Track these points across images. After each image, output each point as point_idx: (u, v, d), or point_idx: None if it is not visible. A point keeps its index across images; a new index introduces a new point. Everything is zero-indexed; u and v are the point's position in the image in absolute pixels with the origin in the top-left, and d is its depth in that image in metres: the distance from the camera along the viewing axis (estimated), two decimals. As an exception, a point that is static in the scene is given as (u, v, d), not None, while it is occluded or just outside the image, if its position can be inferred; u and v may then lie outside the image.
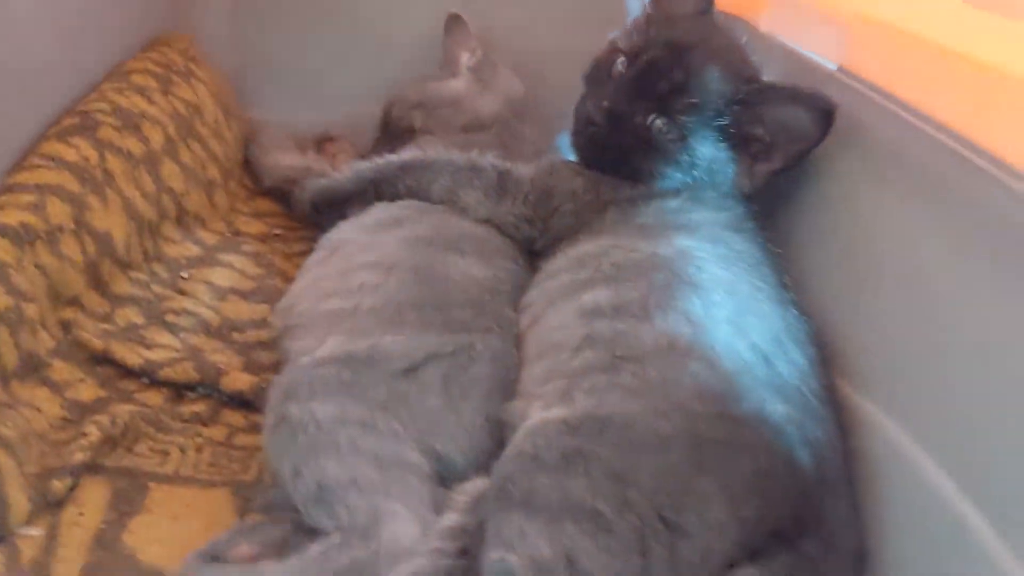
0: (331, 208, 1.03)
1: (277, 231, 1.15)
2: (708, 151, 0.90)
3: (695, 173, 0.91)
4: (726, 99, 0.89)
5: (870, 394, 0.78)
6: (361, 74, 1.36)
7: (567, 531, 0.62)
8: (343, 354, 0.77)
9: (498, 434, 0.75)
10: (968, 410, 0.66)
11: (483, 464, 0.73)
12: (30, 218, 0.83)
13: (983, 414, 0.64)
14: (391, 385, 0.74)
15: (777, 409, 0.70)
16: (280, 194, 1.19)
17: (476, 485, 0.70)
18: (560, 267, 0.88)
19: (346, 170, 1.05)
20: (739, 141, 0.90)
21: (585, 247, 0.88)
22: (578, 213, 0.94)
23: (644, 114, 0.90)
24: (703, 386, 0.70)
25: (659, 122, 0.90)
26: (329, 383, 0.73)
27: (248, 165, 1.24)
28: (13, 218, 0.83)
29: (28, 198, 0.85)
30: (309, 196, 1.06)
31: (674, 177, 0.91)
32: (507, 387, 0.78)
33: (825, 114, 0.86)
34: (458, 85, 1.22)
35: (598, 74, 0.97)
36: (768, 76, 0.97)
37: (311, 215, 1.06)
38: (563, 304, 0.82)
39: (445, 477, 0.73)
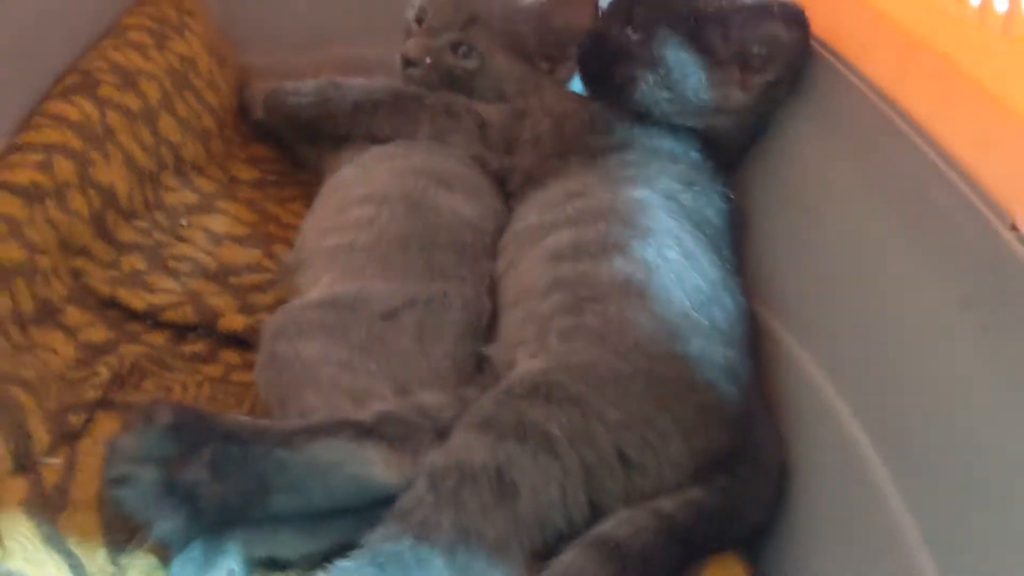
0: (282, 116, 1.13)
1: (271, 177, 1.22)
2: (676, 56, 0.95)
3: (669, 83, 0.95)
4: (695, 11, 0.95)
5: (790, 328, 0.85)
6: (350, 14, 1.41)
7: (508, 448, 0.67)
8: (330, 297, 0.84)
9: (464, 374, 0.84)
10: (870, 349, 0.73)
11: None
12: (39, 177, 0.91)
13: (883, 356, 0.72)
14: (370, 328, 0.82)
15: (717, 350, 0.77)
16: (274, 137, 1.25)
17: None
18: (529, 210, 0.96)
19: (310, 84, 1.12)
20: (725, 57, 0.94)
21: (551, 192, 0.95)
22: (539, 141, 1.02)
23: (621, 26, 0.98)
24: (657, 326, 0.76)
25: (630, 31, 0.97)
26: (314, 325, 0.81)
27: (243, 112, 1.30)
28: (24, 177, 0.90)
29: (36, 157, 0.92)
30: (263, 99, 1.15)
31: (649, 85, 0.96)
32: (476, 332, 0.87)
33: (797, 21, 0.93)
34: None
35: None
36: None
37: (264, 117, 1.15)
38: (532, 248, 0.89)
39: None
